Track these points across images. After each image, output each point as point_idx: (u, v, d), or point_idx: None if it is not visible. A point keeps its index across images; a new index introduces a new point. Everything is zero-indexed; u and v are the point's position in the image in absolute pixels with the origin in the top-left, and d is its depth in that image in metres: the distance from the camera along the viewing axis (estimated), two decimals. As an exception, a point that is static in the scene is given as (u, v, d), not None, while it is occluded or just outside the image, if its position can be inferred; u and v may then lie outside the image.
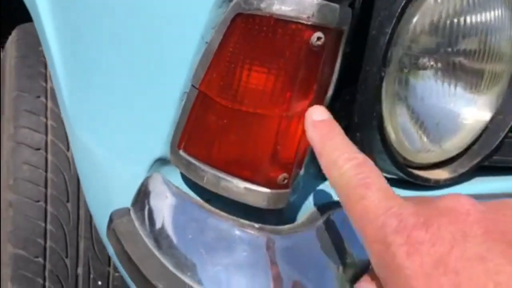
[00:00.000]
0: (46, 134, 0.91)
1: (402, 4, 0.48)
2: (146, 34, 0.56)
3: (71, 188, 0.90)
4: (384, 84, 0.53)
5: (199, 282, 0.40)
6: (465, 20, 0.56)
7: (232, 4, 0.39)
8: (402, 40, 0.52)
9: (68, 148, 0.91)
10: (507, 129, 0.65)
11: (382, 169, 0.57)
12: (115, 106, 0.63)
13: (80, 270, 0.92)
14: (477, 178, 0.70)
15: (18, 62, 1.00)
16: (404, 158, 0.60)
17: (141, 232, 0.45)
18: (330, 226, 0.45)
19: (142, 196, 0.50)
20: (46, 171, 0.89)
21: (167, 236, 0.44)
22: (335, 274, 0.43)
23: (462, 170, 0.64)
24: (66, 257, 0.91)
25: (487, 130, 0.66)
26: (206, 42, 0.42)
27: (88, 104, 0.69)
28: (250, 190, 0.41)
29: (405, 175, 0.58)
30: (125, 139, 0.59)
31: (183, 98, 0.45)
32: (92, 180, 0.72)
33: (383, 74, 0.49)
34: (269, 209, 0.43)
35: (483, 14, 0.57)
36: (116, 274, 0.93)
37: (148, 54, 0.55)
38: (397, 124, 0.57)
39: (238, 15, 0.39)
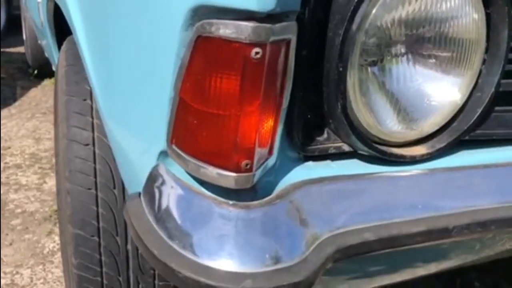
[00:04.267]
0: (93, 131, 1.06)
1: (352, 7, 0.56)
2: (154, 55, 0.66)
3: (116, 176, 1.05)
4: (350, 75, 0.61)
5: (185, 248, 0.51)
6: (422, 10, 0.62)
7: (194, 28, 0.49)
8: (360, 35, 0.59)
9: (111, 142, 1.06)
10: (483, 105, 0.70)
11: (358, 149, 0.66)
12: (134, 106, 0.76)
13: (129, 246, 1.07)
14: (462, 151, 0.75)
15: (67, 70, 1.16)
16: (380, 138, 0.67)
17: (146, 211, 0.57)
18: (295, 201, 0.54)
19: (149, 182, 0.62)
20: (94, 162, 1.04)
21: (164, 213, 0.55)
22: (298, 242, 0.53)
23: (440, 146, 0.70)
24: (117, 235, 1.06)
25: (466, 107, 0.72)
26: (180, 58, 0.52)
27: (115, 105, 0.82)
28: (221, 174, 0.52)
29: (378, 153, 0.65)
30: (141, 134, 0.71)
31: (171, 102, 0.56)
32: (125, 168, 0.86)
33: (340, 69, 0.57)
34: (241, 189, 0.53)
35: (440, 4, 0.62)
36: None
37: (156, 69, 0.66)
38: (368, 108, 0.65)
39: (199, 37, 0.49)
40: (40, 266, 1.65)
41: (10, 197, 2.07)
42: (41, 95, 3.56)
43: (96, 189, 1.04)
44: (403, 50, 0.66)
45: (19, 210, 1.97)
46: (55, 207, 1.99)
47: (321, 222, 0.55)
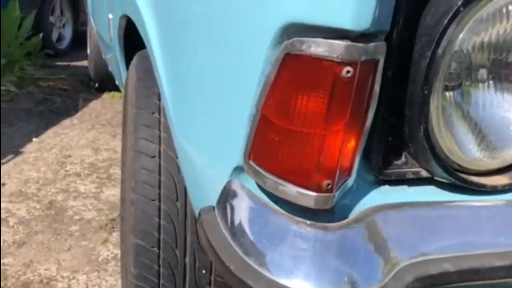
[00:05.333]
0: (160, 144, 1.08)
1: (441, 29, 0.54)
2: (235, 71, 0.68)
3: (180, 189, 1.06)
4: (433, 99, 0.59)
5: (261, 265, 0.51)
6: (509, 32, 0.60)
7: (282, 46, 0.49)
8: (446, 59, 0.57)
9: (177, 156, 1.08)
10: None
11: (437, 175, 0.64)
12: (207, 122, 0.77)
13: (187, 260, 1.08)
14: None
15: (137, 84, 1.19)
16: (460, 166, 0.65)
17: (221, 225, 0.57)
18: (373, 225, 0.53)
19: (224, 196, 0.62)
20: (159, 174, 1.06)
21: (239, 229, 0.55)
22: (376, 267, 0.51)
23: (526, 176, 0.67)
24: (176, 248, 1.07)
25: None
26: (265, 75, 0.52)
27: (187, 119, 0.83)
28: (300, 193, 0.51)
29: (458, 181, 0.63)
30: (213, 149, 0.72)
31: (251, 118, 0.57)
32: (192, 181, 0.87)
33: (426, 91, 0.56)
34: (319, 209, 0.52)
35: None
36: (217, 264, 1.07)
37: (233, 85, 0.67)
38: (451, 134, 0.63)
39: (287, 54, 0.49)
40: (95, 273, 1.69)
41: (70, 204, 2.14)
42: (101, 107, 3.70)
43: (159, 201, 1.05)
44: (487, 75, 0.64)
45: (77, 217, 2.04)
46: (110, 216, 2.05)
47: (400, 248, 0.53)
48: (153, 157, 1.07)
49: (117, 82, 2.42)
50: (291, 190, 0.52)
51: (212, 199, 0.69)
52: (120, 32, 1.48)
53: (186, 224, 1.07)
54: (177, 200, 1.06)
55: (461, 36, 0.58)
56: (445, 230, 0.58)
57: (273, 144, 0.52)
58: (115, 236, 1.91)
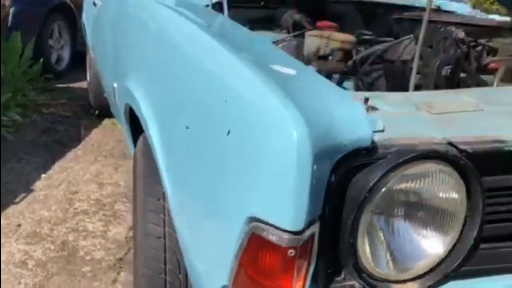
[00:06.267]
0: (164, 227, 1.34)
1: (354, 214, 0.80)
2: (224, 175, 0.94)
3: (181, 264, 1.32)
4: (359, 241, 0.85)
5: None
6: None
7: (251, 225, 0.76)
8: (365, 219, 0.83)
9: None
10: (464, 254, 0.93)
11: (364, 285, 0.90)
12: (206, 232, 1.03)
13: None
14: (453, 282, 0.98)
15: (144, 171, 1.45)
16: (380, 276, 0.91)
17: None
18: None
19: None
20: (164, 252, 1.32)
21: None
22: None
23: (430, 283, 0.93)
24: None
25: (452, 251, 0.94)
26: (241, 238, 0.79)
27: (182, 205, 1.09)
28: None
29: (371, 288, 0.89)
30: (208, 253, 0.98)
31: (234, 262, 0.83)
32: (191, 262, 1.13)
33: (351, 240, 0.82)
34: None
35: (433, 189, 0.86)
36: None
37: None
38: (370, 256, 0.89)
39: (253, 232, 0.75)
40: (107, 313, 1.95)
41: (81, 244, 2.40)
42: (102, 136, 3.94)
43: (165, 274, 1.32)
44: (401, 213, 0.90)
45: (88, 258, 2.29)
46: (118, 256, 2.30)
47: None
48: (159, 238, 1.33)
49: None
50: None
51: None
52: (126, 114, 1.73)
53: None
54: (179, 273, 1.32)
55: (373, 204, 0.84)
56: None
57: (246, 285, 0.79)
58: (123, 275, 2.17)
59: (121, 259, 2.28)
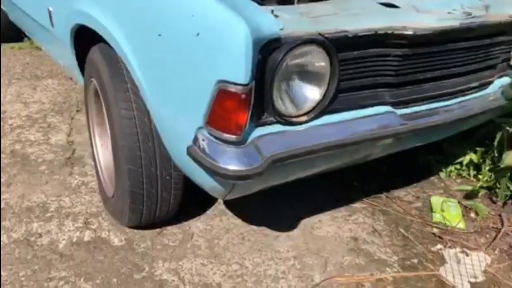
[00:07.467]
0: (133, 111, 1.89)
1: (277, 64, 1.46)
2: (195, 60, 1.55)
3: (150, 136, 1.90)
4: (275, 89, 1.52)
5: (212, 160, 1.45)
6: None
7: (218, 85, 1.38)
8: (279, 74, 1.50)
9: (146, 116, 1.89)
10: (329, 98, 1.65)
11: (279, 120, 1.59)
12: (177, 95, 1.62)
13: (158, 172, 1.95)
14: (326, 116, 1.70)
15: (110, 74, 1.95)
16: (285, 113, 1.60)
17: (197, 149, 1.48)
18: (257, 144, 1.50)
19: (195, 139, 1.51)
20: (136, 127, 1.88)
21: (203, 151, 1.47)
22: (257, 157, 1.49)
23: (313, 115, 1.65)
24: (151, 167, 1.93)
25: (324, 97, 1.66)
26: (212, 95, 1.42)
27: (160, 94, 1.67)
28: (228, 136, 1.45)
29: (286, 121, 1.58)
30: (179, 115, 1.59)
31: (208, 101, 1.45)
32: (165, 132, 1.73)
33: (270, 88, 1.48)
34: (237, 141, 1.47)
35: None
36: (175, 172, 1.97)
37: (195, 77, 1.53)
38: (280, 102, 1.56)
39: (220, 88, 1.38)
40: (74, 195, 2.46)
41: (29, 151, 2.80)
42: (7, 61, 4.10)
43: (139, 142, 1.89)
44: (295, 76, 1.58)
45: (40, 160, 2.73)
46: (66, 156, 2.77)
47: (266, 151, 1.48)
48: (131, 119, 1.89)
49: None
50: (224, 135, 1.43)
51: (183, 141, 1.58)
52: (72, 34, 2.17)
53: (155, 152, 1.93)
54: (148, 141, 1.90)
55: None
56: (285, 141, 1.54)
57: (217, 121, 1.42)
58: (76, 169, 2.66)
59: (69, 158, 2.75)
